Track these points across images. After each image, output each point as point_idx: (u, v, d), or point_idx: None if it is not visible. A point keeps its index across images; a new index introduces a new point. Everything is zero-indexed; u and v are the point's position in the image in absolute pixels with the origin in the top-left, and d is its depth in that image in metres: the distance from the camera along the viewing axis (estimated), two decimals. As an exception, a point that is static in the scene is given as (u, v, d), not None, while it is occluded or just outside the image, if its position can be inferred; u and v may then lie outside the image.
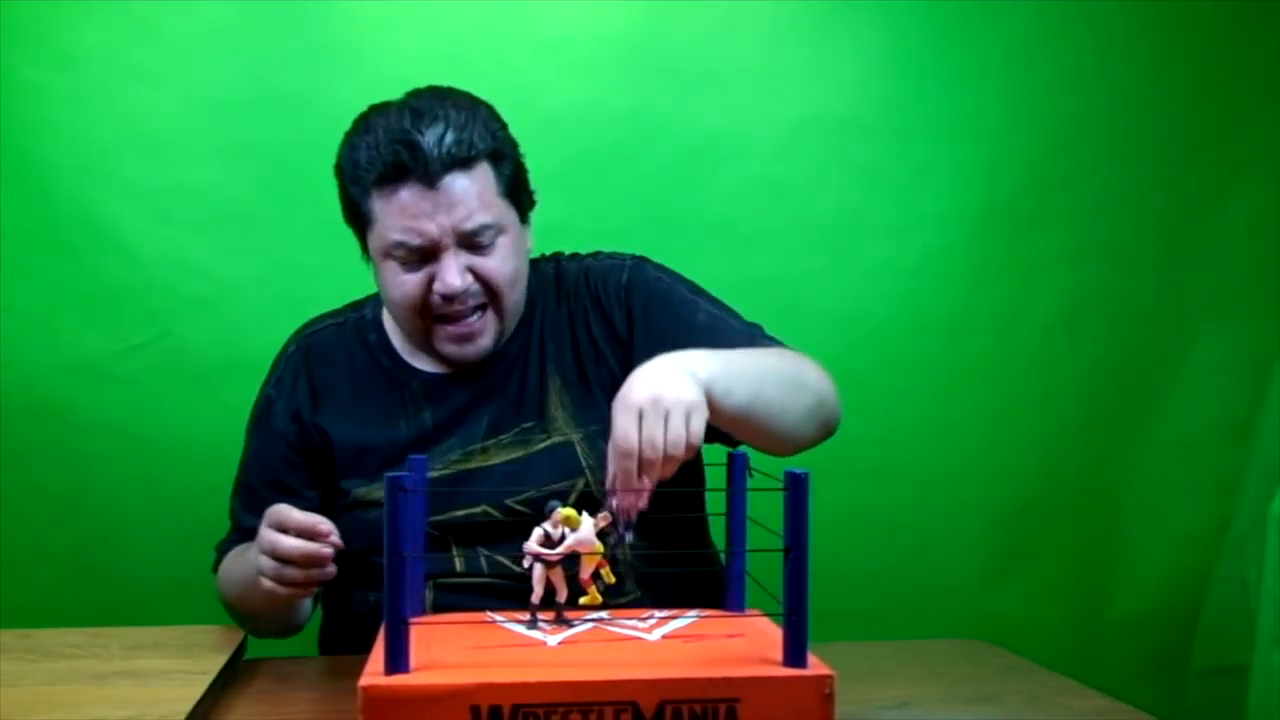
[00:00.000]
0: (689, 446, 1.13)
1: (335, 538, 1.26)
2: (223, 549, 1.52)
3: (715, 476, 1.17)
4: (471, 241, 1.37)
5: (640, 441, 1.12)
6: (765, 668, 0.96)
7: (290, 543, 1.25)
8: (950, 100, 2.01)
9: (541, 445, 1.43)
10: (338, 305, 1.58)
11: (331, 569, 1.27)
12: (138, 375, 1.89)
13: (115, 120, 1.87)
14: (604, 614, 1.13)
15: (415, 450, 1.29)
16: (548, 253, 1.56)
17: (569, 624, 1.10)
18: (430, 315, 1.40)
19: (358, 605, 1.44)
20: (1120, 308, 2.06)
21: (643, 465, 1.12)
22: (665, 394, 1.14)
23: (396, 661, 0.93)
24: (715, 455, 1.22)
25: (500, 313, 1.43)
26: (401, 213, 1.35)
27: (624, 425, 1.13)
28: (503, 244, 1.39)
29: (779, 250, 1.99)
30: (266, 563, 1.26)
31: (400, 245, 1.36)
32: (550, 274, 1.52)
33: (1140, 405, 2.07)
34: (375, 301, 1.53)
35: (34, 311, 1.87)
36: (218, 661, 1.29)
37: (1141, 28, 2.02)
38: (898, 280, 2.02)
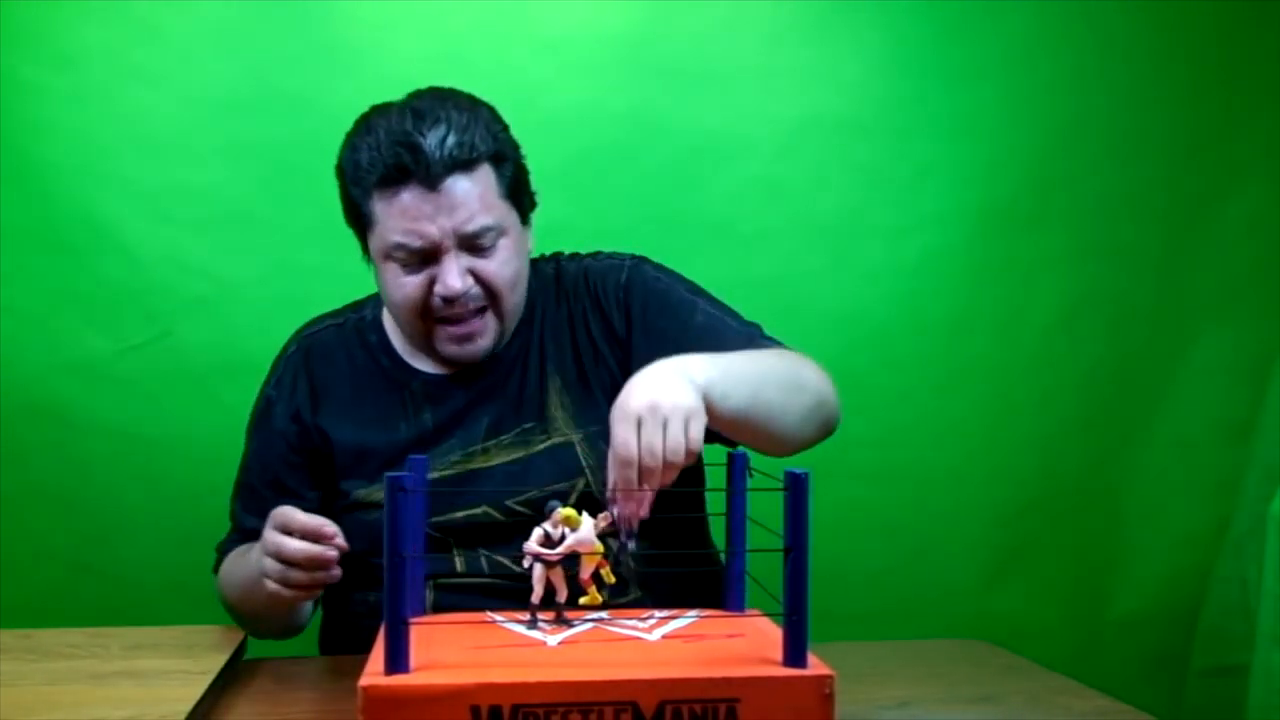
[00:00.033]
0: (689, 453, 1.13)
1: (340, 540, 1.26)
2: (223, 549, 1.52)
3: (715, 476, 1.17)
4: (472, 244, 1.37)
5: (639, 449, 1.12)
6: (765, 668, 0.96)
7: (295, 545, 1.25)
8: (950, 100, 2.01)
9: (542, 446, 1.43)
10: (338, 305, 1.58)
11: (336, 572, 1.27)
12: (138, 375, 1.89)
13: (115, 120, 1.87)
14: (604, 614, 1.13)
15: (415, 451, 1.29)
16: (548, 253, 1.56)
17: (569, 624, 1.10)
18: (431, 317, 1.40)
19: (358, 605, 1.44)
20: (1120, 308, 2.06)
21: (643, 473, 1.12)
22: (663, 401, 1.14)
23: (396, 661, 0.93)
24: (715, 455, 1.22)
25: (500, 315, 1.43)
26: (403, 215, 1.35)
27: (623, 434, 1.13)
28: (504, 246, 1.39)
29: (779, 250, 1.99)
30: (271, 565, 1.26)
31: (401, 247, 1.36)
32: (550, 274, 1.52)
33: (1140, 405, 2.07)
34: (375, 302, 1.52)
35: (34, 311, 1.87)
36: (218, 661, 1.29)
37: (1141, 28, 2.02)
38: (898, 280, 2.02)
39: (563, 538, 1.07)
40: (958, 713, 1.22)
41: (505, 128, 1.42)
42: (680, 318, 1.44)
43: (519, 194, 1.43)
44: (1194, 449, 2.06)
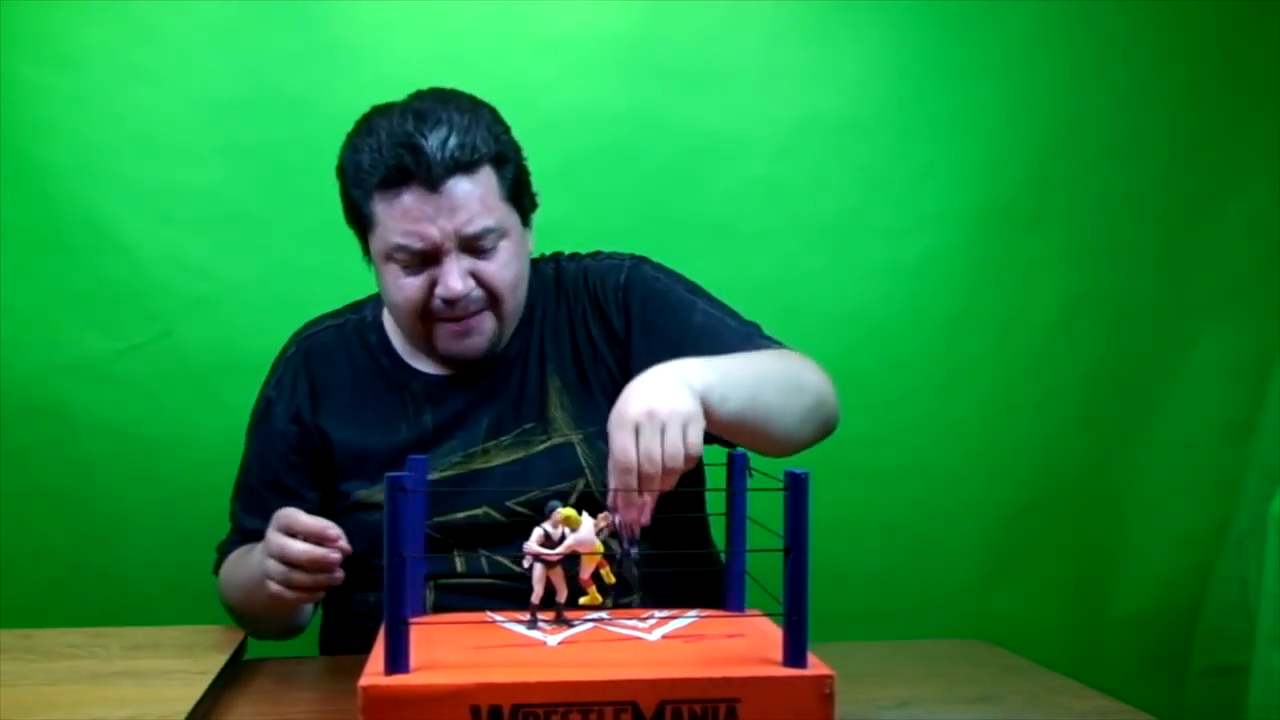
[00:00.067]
0: (688, 458, 1.13)
1: (344, 543, 1.26)
2: (223, 550, 1.52)
3: (715, 476, 1.17)
4: (473, 245, 1.37)
5: (638, 457, 1.11)
6: (765, 668, 0.96)
7: (299, 547, 1.25)
8: (950, 100, 2.01)
9: (541, 446, 1.43)
10: (338, 305, 1.58)
11: (339, 574, 1.27)
12: (138, 375, 1.89)
13: (115, 120, 1.87)
14: (604, 614, 1.13)
15: (416, 452, 1.29)
16: (548, 253, 1.56)
17: (569, 624, 1.10)
18: (431, 318, 1.40)
19: (358, 606, 1.44)
20: (1120, 308, 2.05)
21: (642, 480, 1.11)
22: (660, 407, 1.13)
23: (396, 661, 0.93)
24: (715, 455, 1.22)
25: (500, 316, 1.42)
26: (404, 216, 1.35)
27: (621, 442, 1.12)
28: (504, 248, 1.39)
29: (779, 250, 1.99)
30: (274, 566, 1.26)
31: (402, 249, 1.36)
32: (550, 275, 1.52)
33: (1140, 405, 2.07)
34: (375, 302, 1.52)
35: (34, 311, 1.87)
36: (218, 661, 1.29)
37: (1141, 28, 2.02)
38: (898, 280, 2.02)
39: (563, 538, 1.07)
40: (958, 713, 1.22)
41: (507, 129, 1.42)
42: (679, 317, 1.44)
43: (520, 196, 1.43)
44: (1194, 449, 2.06)
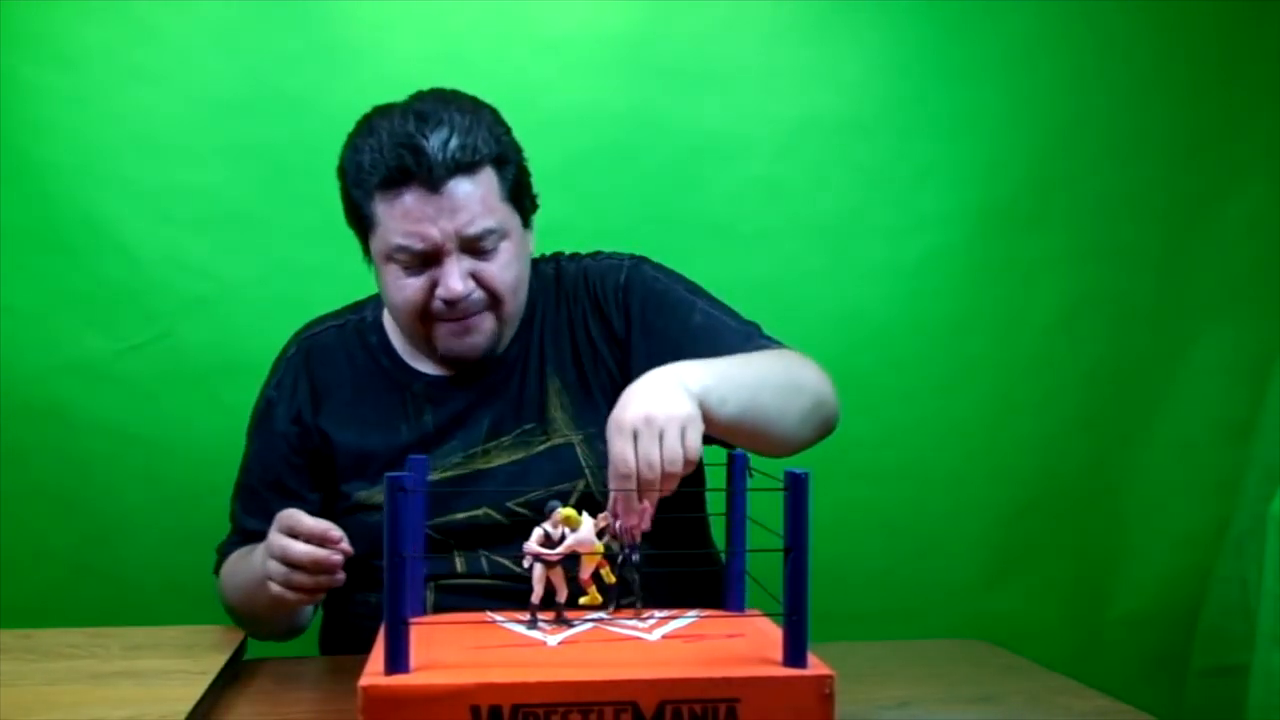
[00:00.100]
0: (687, 462, 1.13)
1: (346, 544, 1.26)
2: (224, 551, 1.52)
3: (715, 476, 1.17)
4: (474, 246, 1.37)
5: (637, 462, 1.11)
6: (765, 668, 0.96)
7: (301, 548, 1.25)
8: (950, 100, 2.01)
9: (541, 447, 1.43)
10: (338, 305, 1.58)
11: (340, 576, 1.27)
12: (138, 375, 1.89)
13: (115, 120, 1.87)
14: (604, 614, 1.13)
15: (416, 453, 1.29)
16: (548, 253, 1.56)
17: (569, 624, 1.10)
18: (431, 319, 1.40)
19: (359, 606, 1.44)
20: (1120, 308, 2.05)
21: (641, 485, 1.11)
22: (658, 412, 1.13)
23: (396, 661, 0.93)
24: (715, 455, 1.22)
25: (501, 317, 1.42)
26: (404, 217, 1.35)
27: (620, 447, 1.12)
28: (505, 249, 1.39)
29: (779, 250, 1.99)
30: (276, 567, 1.26)
31: (402, 249, 1.36)
32: (550, 275, 1.52)
33: (1140, 405, 2.07)
34: (375, 303, 1.52)
35: (34, 311, 1.87)
36: (218, 661, 1.29)
37: (1141, 28, 2.02)
38: (898, 280, 2.02)
39: (563, 538, 1.07)
40: (958, 713, 1.22)
41: (508, 130, 1.42)
42: (679, 317, 1.44)
43: (521, 196, 1.42)
44: (1194, 449, 2.06)
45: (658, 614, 1.14)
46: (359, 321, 1.53)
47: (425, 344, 1.44)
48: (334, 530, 1.26)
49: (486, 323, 1.42)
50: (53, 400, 1.87)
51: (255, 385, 1.55)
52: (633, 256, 1.51)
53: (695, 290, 1.49)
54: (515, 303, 1.43)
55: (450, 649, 1.00)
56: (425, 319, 1.40)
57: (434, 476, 1.40)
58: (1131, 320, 2.06)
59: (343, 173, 1.41)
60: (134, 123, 1.87)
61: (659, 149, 1.96)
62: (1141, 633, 2.07)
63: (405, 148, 1.33)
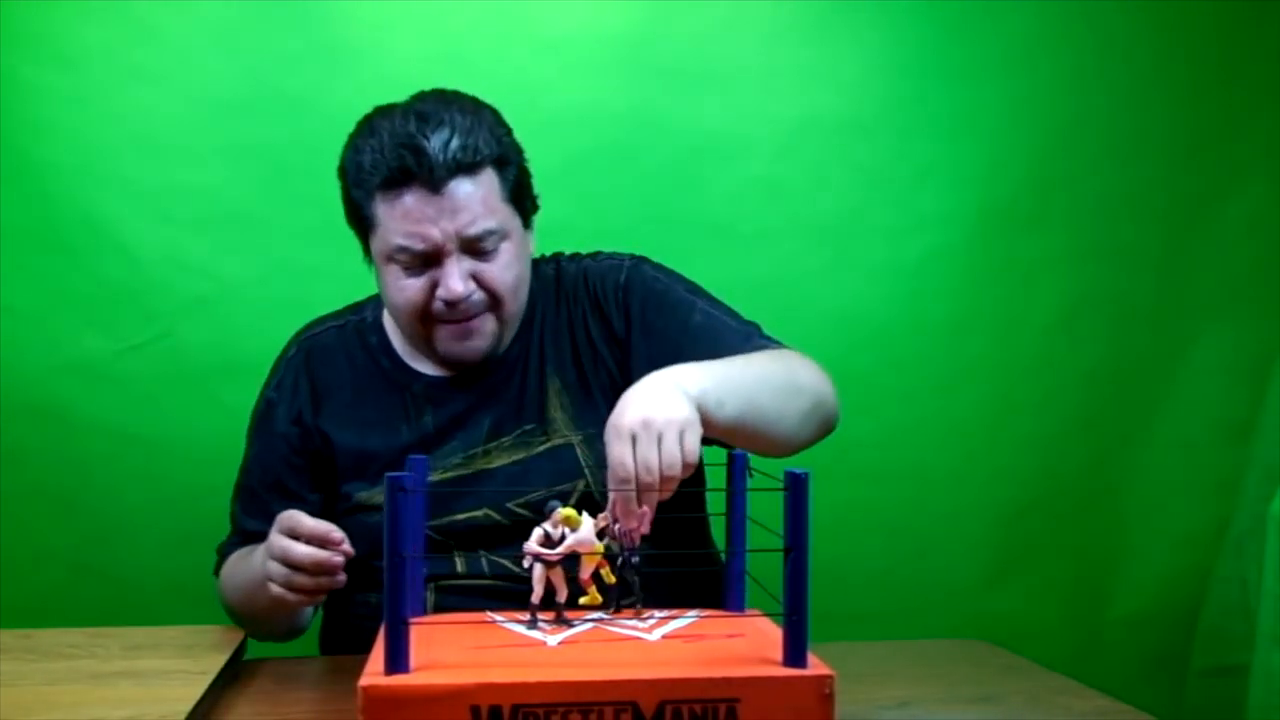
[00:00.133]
0: (685, 465, 1.13)
1: (347, 546, 1.26)
2: (224, 551, 1.52)
3: (715, 476, 1.17)
4: (475, 247, 1.37)
5: (635, 466, 1.11)
6: (765, 668, 0.96)
7: (302, 550, 1.25)
8: (950, 100, 2.01)
9: (541, 448, 1.43)
10: (338, 306, 1.58)
11: (341, 577, 1.27)
12: (138, 375, 1.89)
13: (115, 120, 1.87)
14: (604, 614, 1.13)
15: (417, 454, 1.29)
16: (548, 253, 1.56)
17: (569, 624, 1.10)
18: (432, 320, 1.40)
19: (359, 607, 1.44)
20: (1120, 308, 2.05)
21: (640, 488, 1.11)
22: (656, 415, 1.13)
23: (396, 661, 0.93)
24: (715, 455, 1.22)
25: (501, 318, 1.42)
26: (405, 217, 1.35)
27: (618, 451, 1.12)
28: (506, 250, 1.39)
29: (779, 250, 1.99)
30: (276, 569, 1.26)
31: (403, 250, 1.36)
32: (550, 275, 1.52)
33: (1140, 405, 2.07)
34: (375, 303, 1.52)
35: (34, 311, 1.87)
36: (218, 661, 1.29)
37: (1141, 28, 2.02)
38: (898, 280, 2.02)
39: (563, 538, 1.07)
40: (958, 713, 1.22)
41: (509, 131, 1.42)
42: (679, 317, 1.44)
43: (521, 197, 1.42)
44: (1194, 449, 2.06)
45: (658, 614, 1.14)
46: (359, 322, 1.53)
47: (425, 345, 1.44)
48: (335, 532, 1.26)
49: (487, 324, 1.42)
50: (53, 400, 1.87)
51: (255, 385, 1.55)
52: (633, 256, 1.51)
53: (695, 290, 1.49)
54: (516, 303, 1.43)
55: (450, 649, 1.00)
56: (425, 320, 1.40)
57: (434, 477, 1.40)
58: (1131, 320, 2.06)
59: (343, 173, 1.41)
60: (134, 123, 1.87)
61: (659, 149, 1.96)
62: (1141, 633, 2.07)
63: (406, 148, 1.32)
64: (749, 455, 1.12)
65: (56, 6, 1.85)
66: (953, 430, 2.03)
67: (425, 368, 1.48)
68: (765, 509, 1.06)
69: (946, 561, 2.03)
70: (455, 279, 1.36)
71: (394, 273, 1.39)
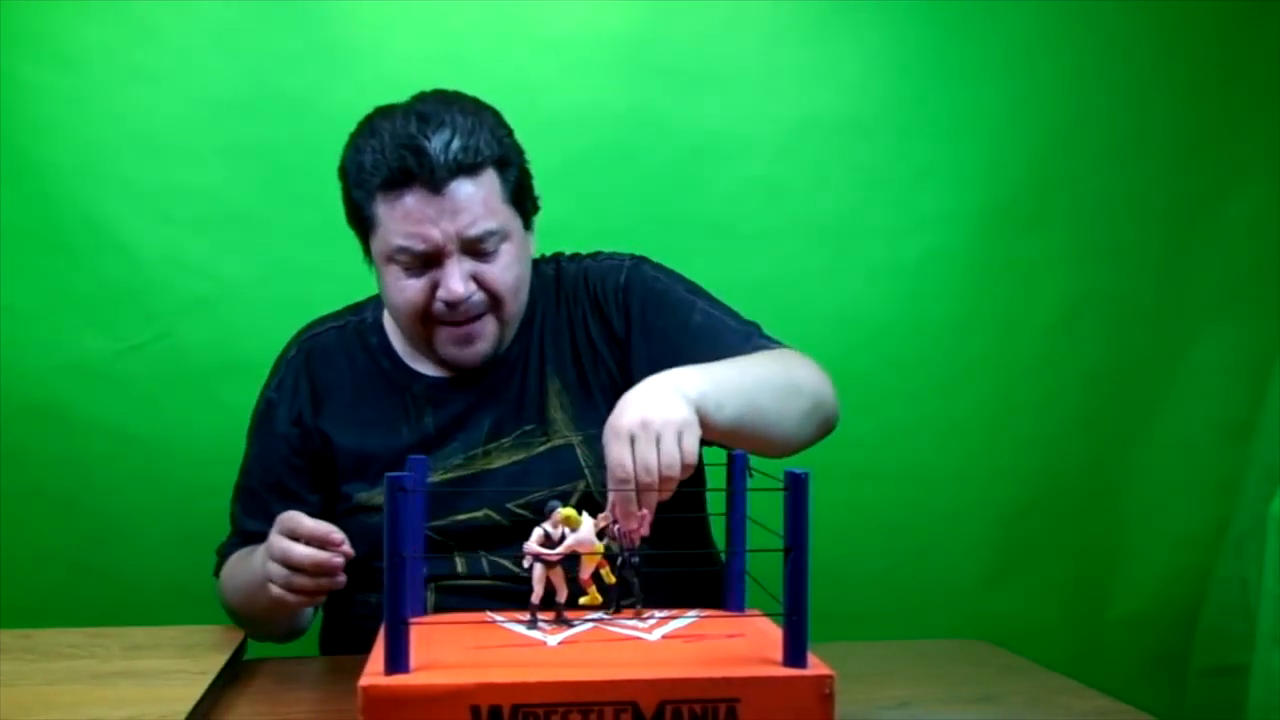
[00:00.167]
0: (684, 466, 1.13)
1: (347, 547, 1.26)
2: (224, 552, 1.52)
3: (715, 476, 1.17)
4: (475, 248, 1.37)
5: (634, 467, 1.11)
6: (765, 668, 0.96)
7: (302, 551, 1.25)
8: (950, 100, 2.01)
9: (542, 448, 1.43)
10: (338, 306, 1.58)
11: (341, 578, 1.27)
12: (138, 375, 1.89)
13: (115, 120, 1.87)
14: (604, 614, 1.13)
15: (417, 455, 1.29)
16: (548, 253, 1.55)
17: (569, 624, 1.10)
18: (432, 320, 1.40)
19: (359, 607, 1.44)
20: (1120, 308, 2.06)
21: (639, 489, 1.11)
22: (654, 416, 1.13)
23: (396, 661, 0.93)
24: (715, 456, 1.22)
25: (502, 319, 1.42)
26: (406, 218, 1.35)
27: (617, 452, 1.12)
28: (506, 251, 1.39)
29: (779, 250, 1.99)
30: (276, 570, 1.26)
31: (404, 250, 1.36)
32: (550, 275, 1.52)
33: (1140, 405, 2.07)
34: (375, 304, 1.52)
35: (34, 311, 1.87)
36: (218, 661, 1.29)
37: (1141, 28, 2.02)
38: (898, 280, 2.01)
39: (563, 538, 1.07)
40: (958, 713, 1.22)
41: (510, 132, 1.42)
42: (679, 317, 1.44)
43: (522, 198, 1.42)
44: (1194, 449, 2.06)
45: (658, 614, 1.14)
46: (359, 323, 1.53)
47: (425, 345, 1.44)
48: (335, 533, 1.26)
49: (488, 327, 1.42)
50: (53, 400, 1.87)
51: (255, 386, 1.55)
52: (633, 257, 1.51)
53: (695, 290, 1.49)
54: (516, 304, 1.43)
55: (450, 649, 1.00)
56: (426, 320, 1.40)
57: (435, 478, 1.40)
58: (1131, 320, 2.06)
59: (344, 173, 1.41)
60: (134, 123, 1.87)
61: (659, 149, 1.96)
62: (1141, 633, 2.07)
63: (407, 149, 1.32)
64: (749, 455, 1.12)
65: (56, 6, 1.85)
66: (953, 430, 2.03)
67: (425, 368, 1.48)
68: (765, 509, 1.06)
69: (946, 561, 2.03)
70: (456, 280, 1.36)
71: (394, 273, 1.39)
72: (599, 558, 1.10)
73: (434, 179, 1.33)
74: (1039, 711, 1.22)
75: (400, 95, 1.41)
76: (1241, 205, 2.04)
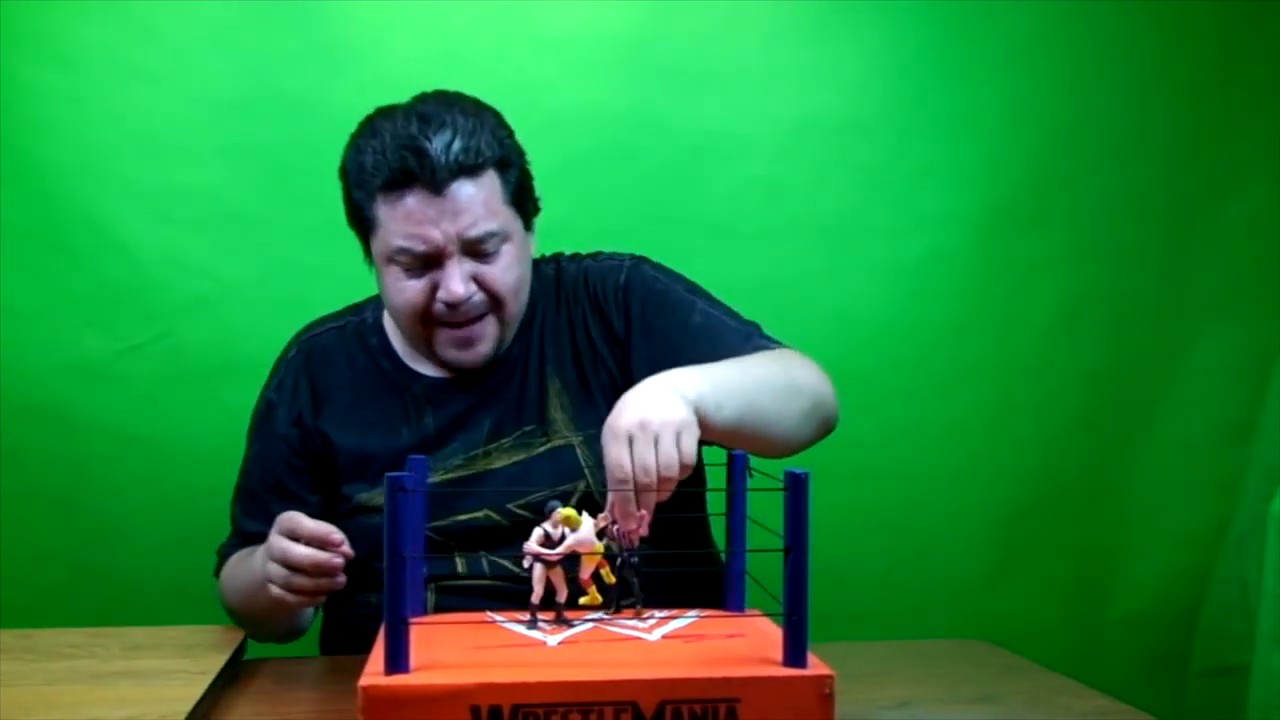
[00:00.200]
0: (682, 467, 1.13)
1: (346, 547, 1.26)
2: (224, 553, 1.52)
3: (715, 476, 1.17)
4: (476, 249, 1.37)
5: (633, 467, 1.11)
6: (765, 668, 0.96)
7: (301, 551, 1.25)
8: (950, 100, 2.01)
9: (542, 449, 1.43)
10: (338, 306, 1.58)
11: (341, 579, 1.27)
12: (138, 375, 1.89)
13: (115, 120, 1.87)
14: (604, 614, 1.13)
15: (417, 455, 1.29)
16: (548, 253, 1.55)
17: (569, 624, 1.10)
18: (432, 321, 1.40)
19: (359, 607, 1.44)
20: (1120, 308, 2.05)
21: (638, 490, 1.11)
22: (653, 417, 1.13)
23: (396, 661, 0.93)
24: (715, 455, 1.22)
25: (502, 320, 1.42)
26: (406, 219, 1.35)
27: (615, 453, 1.12)
28: (507, 252, 1.39)
29: (779, 250, 1.98)
30: (276, 570, 1.26)
31: (404, 251, 1.36)
32: (550, 276, 1.52)
33: (1140, 405, 2.07)
34: (375, 304, 1.52)
35: (34, 311, 1.87)
36: (218, 661, 1.29)
37: (1141, 28, 2.02)
38: (898, 281, 2.01)
39: (563, 538, 1.07)
40: (958, 713, 1.22)
41: (511, 133, 1.42)
42: (678, 317, 1.44)
43: (523, 200, 1.42)
44: (1194, 449, 2.06)
45: (658, 614, 1.14)
46: (359, 323, 1.53)
47: (425, 346, 1.44)
48: (335, 533, 1.26)
49: (489, 329, 1.42)
50: (53, 400, 1.87)
51: (255, 386, 1.55)
52: (633, 257, 1.51)
53: (695, 290, 1.49)
54: (517, 305, 1.43)
55: (450, 649, 1.00)
56: (426, 321, 1.40)
57: (435, 478, 1.40)
58: (1131, 320, 2.06)
59: (345, 173, 1.41)
60: (134, 123, 1.87)
61: (659, 149, 1.96)
62: (1141, 633, 2.07)
63: (408, 149, 1.32)
64: (749, 455, 1.12)
65: (56, 6, 1.85)
66: (953, 430, 2.03)
67: (425, 369, 1.48)
68: (765, 509, 1.06)
69: (946, 561, 2.03)
70: (456, 281, 1.36)
71: (394, 274, 1.39)
72: (599, 558, 1.10)
73: (435, 180, 1.33)
74: (1039, 711, 1.22)
75: (400, 95, 1.41)
76: (1241, 205, 2.04)
